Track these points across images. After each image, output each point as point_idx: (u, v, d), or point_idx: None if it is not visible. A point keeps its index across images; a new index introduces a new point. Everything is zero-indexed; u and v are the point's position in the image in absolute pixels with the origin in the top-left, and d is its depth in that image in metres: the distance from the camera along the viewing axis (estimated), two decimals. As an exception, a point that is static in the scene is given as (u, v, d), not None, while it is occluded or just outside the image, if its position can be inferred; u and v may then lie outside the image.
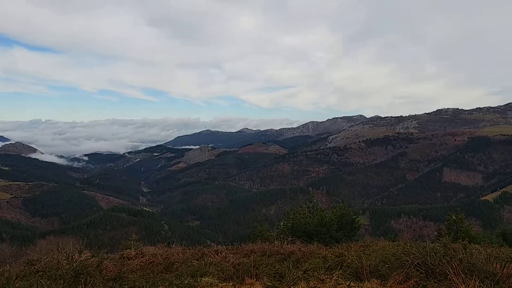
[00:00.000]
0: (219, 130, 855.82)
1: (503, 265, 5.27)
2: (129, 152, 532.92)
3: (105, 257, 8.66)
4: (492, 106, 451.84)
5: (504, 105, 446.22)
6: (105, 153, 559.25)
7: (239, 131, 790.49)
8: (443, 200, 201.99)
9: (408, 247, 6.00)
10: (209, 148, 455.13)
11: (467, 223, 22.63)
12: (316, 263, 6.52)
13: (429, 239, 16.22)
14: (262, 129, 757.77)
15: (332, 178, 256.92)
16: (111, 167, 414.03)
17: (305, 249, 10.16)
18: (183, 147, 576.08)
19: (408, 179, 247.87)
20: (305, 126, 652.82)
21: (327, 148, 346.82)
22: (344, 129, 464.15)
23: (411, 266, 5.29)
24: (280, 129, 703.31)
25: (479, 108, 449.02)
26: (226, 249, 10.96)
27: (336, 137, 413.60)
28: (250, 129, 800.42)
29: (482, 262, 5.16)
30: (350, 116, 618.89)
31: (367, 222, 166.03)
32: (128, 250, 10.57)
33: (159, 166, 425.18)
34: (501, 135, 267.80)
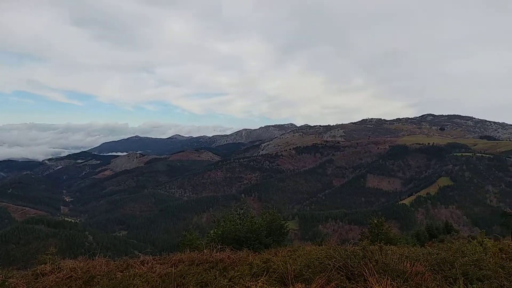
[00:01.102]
0: (149, 136, 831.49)
1: (412, 263, 5.75)
2: (49, 159, 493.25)
3: (11, 274, 7.83)
4: (410, 117, 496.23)
5: (419, 116, 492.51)
6: (20, 160, 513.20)
7: (170, 137, 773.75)
8: (366, 205, 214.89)
9: (331, 251, 6.28)
10: (138, 155, 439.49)
11: (387, 225, 24.42)
12: (243, 270, 6.52)
13: (353, 242, 17.14)
14: (194, 136, 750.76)
15: (264, 184, 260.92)
16: (27, 175, 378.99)
17: (234, 256, 10.13)
18: (110, 153, 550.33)
19: (334, 185, 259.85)
20: (238, 133, 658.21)
21: (259, 155, 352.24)
22: (276, 137, 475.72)
23: (332, 270, 5.53)
24: (213, 136, 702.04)
25: (399, 119, 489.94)
26: (153, 259, 10.52)
27: (268, 145, 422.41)
28: (182, 136, 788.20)
29: (394, 261, 5.58)
30: (281, 125, 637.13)
31: (296, 227, 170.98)
32: (43, 265, 9.69)
33: (83, 173, 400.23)
34: (417, 144, 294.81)
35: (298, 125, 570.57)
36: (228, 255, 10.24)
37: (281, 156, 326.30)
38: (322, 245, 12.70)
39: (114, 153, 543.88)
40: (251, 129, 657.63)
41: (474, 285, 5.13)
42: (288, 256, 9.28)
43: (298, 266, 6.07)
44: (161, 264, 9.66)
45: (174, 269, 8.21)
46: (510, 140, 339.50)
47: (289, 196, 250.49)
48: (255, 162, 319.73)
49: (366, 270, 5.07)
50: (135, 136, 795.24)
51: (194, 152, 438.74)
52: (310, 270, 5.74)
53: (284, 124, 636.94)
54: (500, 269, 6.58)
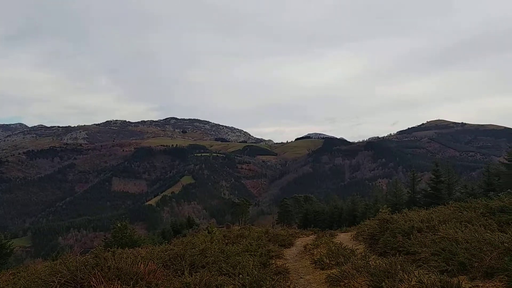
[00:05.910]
0: None
1: (146, 263, 5.95)
2: None
3: None
4: (154, 120, 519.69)
5: (163, 119, 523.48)
6: None
7: None
8: (112, 209, 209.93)
9: (58, 266, 5.67)
10: None
11: (131, 228, 24.57)
12: None
13: (91, 250, 16.23)
14: None
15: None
16: None
17: None
18: None
19: (77, 191, 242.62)
20: None
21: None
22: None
23: (58, 287, 4.98)
24: None
25: (144, 121, 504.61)
26: None
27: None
28: None
29: (128, 264, 5.58)
30: (7, 125, 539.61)
31: (29, 243, 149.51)
32: None
33: None
34: (161, 145, 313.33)
35: (30, 126, 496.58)
36: None
37: (6, 162, 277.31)
38: (58, 259, 11.47)
39: None
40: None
41: (198, 273, 5.79)
42: (8, 280, 7.90)
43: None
44: None
45: None
46: (237, 142, 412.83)
47: (19, 209, 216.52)
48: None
49: (94, 279, 4.83)
50: None
51: None
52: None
53: (10, 124, 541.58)
54: (220, 254, 7.71)
